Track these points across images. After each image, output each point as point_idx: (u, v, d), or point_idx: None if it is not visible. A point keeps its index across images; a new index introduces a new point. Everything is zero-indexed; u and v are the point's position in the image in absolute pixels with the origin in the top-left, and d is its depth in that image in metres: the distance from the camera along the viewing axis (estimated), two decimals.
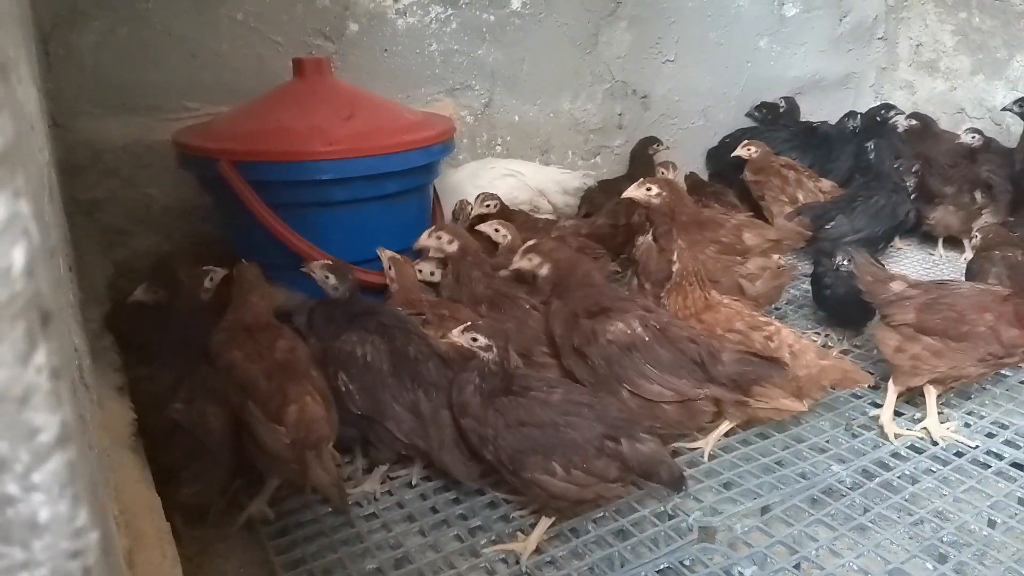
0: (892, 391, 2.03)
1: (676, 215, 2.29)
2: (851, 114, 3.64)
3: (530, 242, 2.08)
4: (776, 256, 2.39)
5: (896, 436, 1.97)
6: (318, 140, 2.07)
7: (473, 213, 2.70)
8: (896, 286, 2.11)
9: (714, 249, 2.27)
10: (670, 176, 2.79)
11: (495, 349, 1.57)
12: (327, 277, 1.85)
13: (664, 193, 2.27)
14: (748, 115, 3.85)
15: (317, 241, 2.12)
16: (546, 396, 1.57)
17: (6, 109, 0.37)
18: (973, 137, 3.21)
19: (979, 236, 2.60)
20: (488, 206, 2.70)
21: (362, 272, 2.11)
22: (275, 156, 2.03)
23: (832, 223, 2.90)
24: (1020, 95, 3.60)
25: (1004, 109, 3.33)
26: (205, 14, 2.62)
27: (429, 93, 3.13)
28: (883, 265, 2.34)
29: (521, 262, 2.04)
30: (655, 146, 3.31)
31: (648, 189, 2.27)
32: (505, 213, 2.72)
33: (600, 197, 3.12)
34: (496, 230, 2.50)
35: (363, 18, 2.91)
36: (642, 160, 3.29)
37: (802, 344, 1.95)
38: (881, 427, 2.00)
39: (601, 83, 3.51)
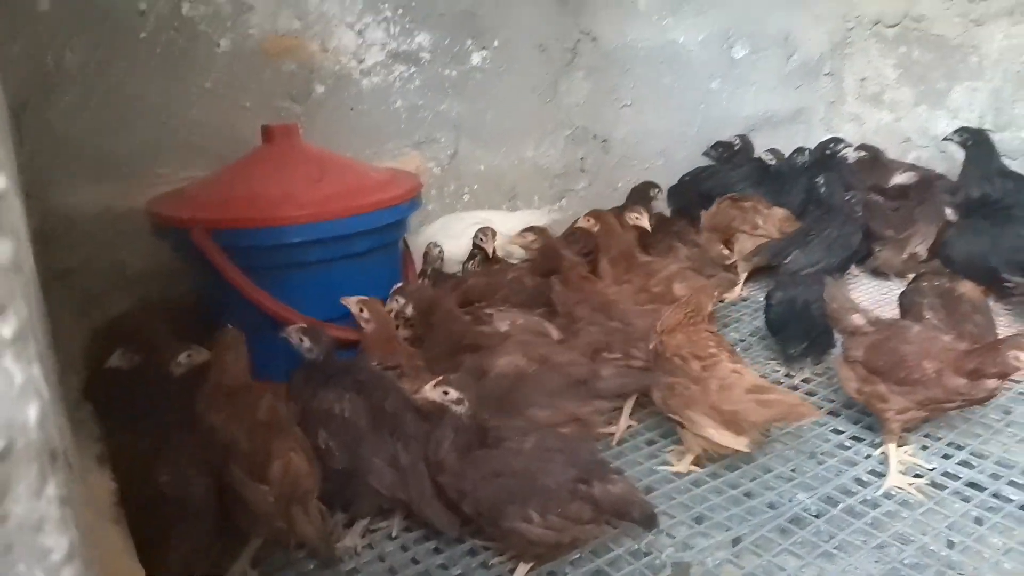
0: (890, 450, 2.02)
1: (602, 251, 2.45)
2: (800, 150, 3.80)
3: (397, 285, 2.23)
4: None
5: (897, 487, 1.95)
6: (289, 205, 2.14)
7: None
8: (856, 319, 2.18)
9: (643, 297, 2.39)
10: (643, 220, 2.91)
11: (467, 402, 1.63)
12: (302, 340, 1.90)
13: (537, 239, 2.38)
14: (705, 154, 4.00)
15: (291, 301, 2.18)
16: (519, 445, 1.63)
17: (18, 295, 0.44)
18: (909, 175, 3.36)
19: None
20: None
21: (336, 329, 2.17)
22: (248, 223, 2.10)
23: (789, 258, 3.02)
24: (960, 123, 3.81)
25: (945, 139, 3.50)
26: (176, 83, 2.70)
27: (396, 147, 3.23)
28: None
29: (390, 304, 2.20)
30: (654, 191, 3.48)
31: (526, 237, 2.38)
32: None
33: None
34: None
35: (329, 80, 3.01)
36: (640, 200, 3.43)
37: (735, 379, 1.95)
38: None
39: (562, 129, 3.64)
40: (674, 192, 3.88)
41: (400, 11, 3.07)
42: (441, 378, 1.68)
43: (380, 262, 2.49)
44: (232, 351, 1.85)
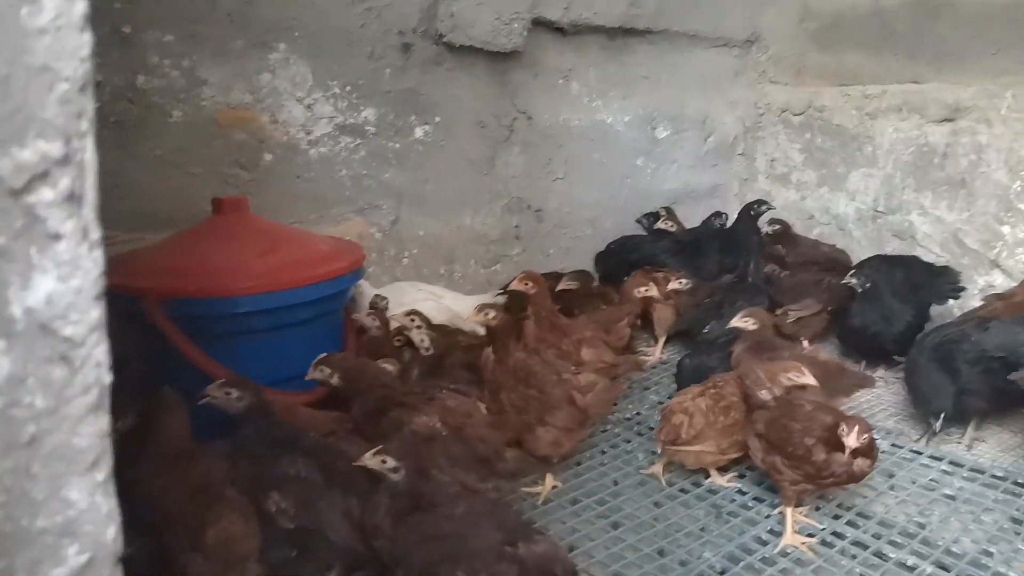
0: (787, 512, 2.21)
1: (537, 311, 2.66)
2: (717, 213, 4.13)
3: (321, 355, 2.33)
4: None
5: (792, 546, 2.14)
6: (239, 276, 2.26)
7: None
8: (764, 394, 2.36)
9: (553, 353, 2.59)
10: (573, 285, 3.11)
11: (403, 470, 1.76)
12: (228, 393, 1.95)
13: (496, 316, 2.56)
14: (637, 221, 4.28)
15: (238, 366, 2.27)
16: (450, 510, 1.77)
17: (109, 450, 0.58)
18: (774, 270, 3.73)
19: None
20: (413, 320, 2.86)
21: (281, 393, 2.28)
22: (198, 293, 2.21)
23: (707, 328, 3.29)
24: (857, 205, 4.22)
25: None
26: (128, 150, 2.79)
27: (340, 213, 3.38)
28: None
29: (314, 373, 2.29)
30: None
31: (486, 314, 2.51)
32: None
33: None
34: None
35: (277, 149, 3.15)
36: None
37: None
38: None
39: (499, 199, 3.86)
40: (600, 258, 4.15)
41: (348, 88, 3.26)
42: (380, 447, 1.81)
43: (324, 328, 2.61)
44: (172, 413, 1.91)
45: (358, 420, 2.26)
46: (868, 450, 2.08)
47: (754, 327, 2.74)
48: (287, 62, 3.08)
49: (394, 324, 2.87)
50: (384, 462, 1.78)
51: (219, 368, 2.17)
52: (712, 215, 4.14)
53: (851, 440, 2.01)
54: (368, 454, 1.81)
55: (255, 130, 3.08)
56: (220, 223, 2.49)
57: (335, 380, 2.28)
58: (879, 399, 3.13)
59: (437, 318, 3.21)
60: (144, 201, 2.84)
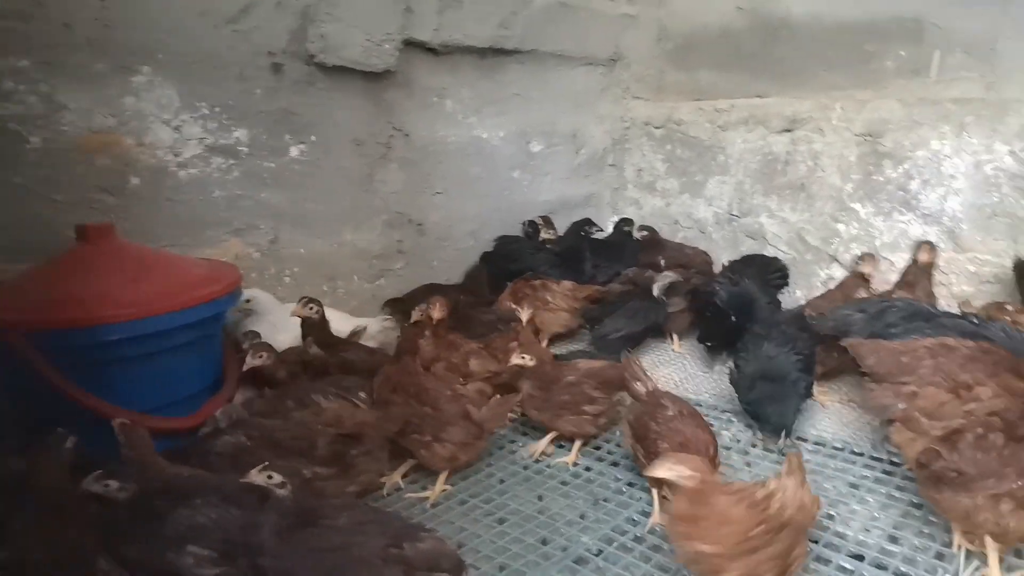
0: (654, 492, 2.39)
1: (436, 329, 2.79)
2: (588, 221, 4.44)
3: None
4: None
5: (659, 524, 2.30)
6: (107, 305, 2.22)
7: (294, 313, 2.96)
8: (638, 387, 2.57)
9: (443, 366, 2.71)
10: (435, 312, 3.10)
11: (289, 485, 1.81)
12: (107, 485, 1.86)
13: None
14: (523, 229, 4.52)
15: (112, 394, 2.24)
16: (333, 521, 1.81)
17: None
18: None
19: None
20: (312, 308, 2.95)
21: (158, 420, 2.27)
22: (67, 324, 2.16)
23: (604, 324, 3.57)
24: (715, 210, 4.57)
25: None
26: None
27: (215, 235, 3.34)
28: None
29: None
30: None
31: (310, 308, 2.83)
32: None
33: None
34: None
35: (144, 172, 3.09)
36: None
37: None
38: None
39: (379, 215, 3.93)
40: (487, 258, 4.30)
41: (217, 109, 3.24)
42: (266, 463, 1.85)
43: (202, 351, 2.60)
44: (51, 459, 1.85)
45: None
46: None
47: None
48: (152, 84, 3.04)
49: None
50: (270, 478, 1.82)
51: (93, 399, 2.14)
52: (582, 221, 4.41)
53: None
54: (254, 470, 1.84)
55: (120, 154, 3.01)
56: (87, 251, 2.43)
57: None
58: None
59: None
60: (4, 231, 2.72)
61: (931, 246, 3.61)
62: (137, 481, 1.89)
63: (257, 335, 2.98)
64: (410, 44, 3.78)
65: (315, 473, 2.20)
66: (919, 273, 3.56)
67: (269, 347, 2.71)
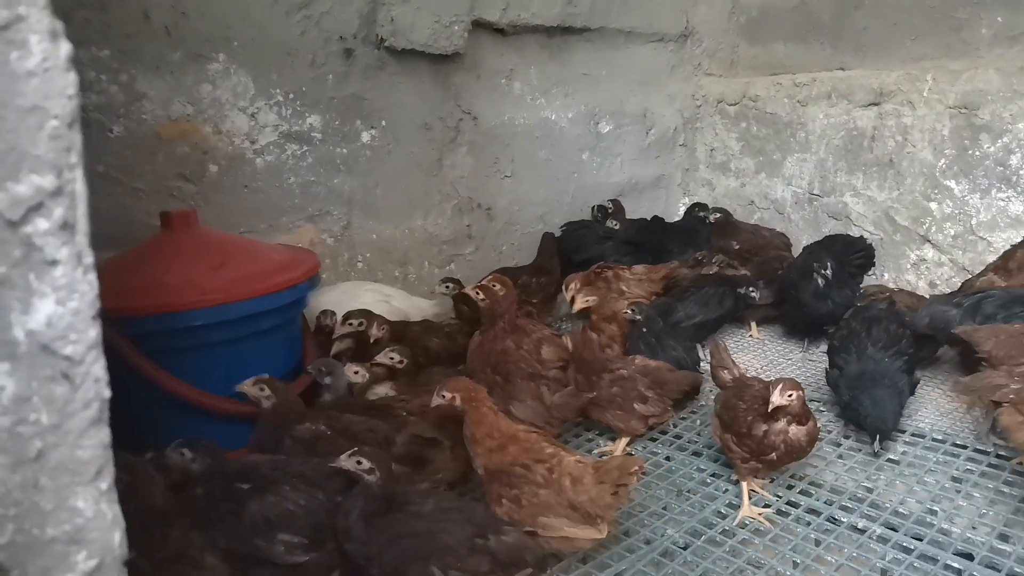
0: (742, 485, 2.33)
1: (499, 316, 2.68)
2: (699, 204, 4.35)
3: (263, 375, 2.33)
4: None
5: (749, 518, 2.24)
6: (192, 291, 2.25)
7: (338, 333, 2.91)
8: (724, 375, 2.48)
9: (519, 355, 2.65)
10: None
11: (378, 472, 1.80)
12: (182, 453, 1.92)
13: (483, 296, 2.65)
14: (592, 215, 4.41)
15: (198, 380, 2.28)
16: (419, 508, 1.80)
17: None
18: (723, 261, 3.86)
19: None
20: (392, 359, 2.80)
21: (241, 405, 2.29)
22: (152, 311, 2.19)
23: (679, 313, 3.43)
24: (794, 190, 4.39)
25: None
26: None
27: (290, 221, 3.38)
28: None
29: (250, 389, 2.28)
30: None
31: (476, 293, 2.66)
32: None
33: None
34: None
35: (222, 160, 3.13)
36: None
37: (582, 469, 1.95)
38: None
39: (449, 200, 3.90)
40: (563, 239, 4.18)
41: (291, 95, 3.26)
42: (356, 449, 1.84)
43: (282, 337, 2.62)
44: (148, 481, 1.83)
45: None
46: (802, 416, 2.18)
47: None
48: (227, 72, 3.07)
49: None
50: (359, 463, 1.81)
51: (181, 384, 2.17)
52: (695, 205, 4.34)
53: (776, 398, 2.11)
54: (344, 456, 1.83)
55: (198, 142, 3.05)
56: (170, 238, 2.47)
57: (266, 403, 2.27)
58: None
59: (390, 317, 3.23)
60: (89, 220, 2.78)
61: None
62: (215, 455, 1.93)
63: (334, 312, 3.02)
64: (478, 25, 3.72)
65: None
66: None
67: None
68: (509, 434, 2.04)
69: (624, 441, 2.70)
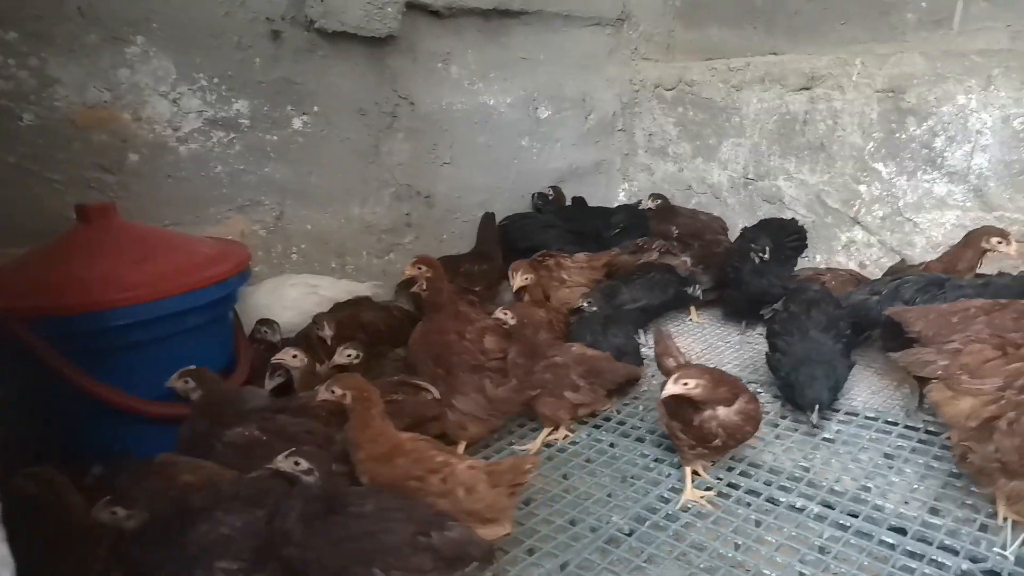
0: (685, 470, 2.35)
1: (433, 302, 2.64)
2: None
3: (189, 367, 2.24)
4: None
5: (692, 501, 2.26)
6: (112, 288, 2.12)
7: (335, 362, 2.71)
8: (670, 363, 2.47)
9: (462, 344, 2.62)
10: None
11: (317, 473, 1.73)
12: (114, 513, 1.78)
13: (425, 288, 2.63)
14: (532, 203, 4.37)
15: (124, 382, 2.16)
16: (360, 508, 1.74)
17: None
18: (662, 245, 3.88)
19: None
20: (350, 356, 2.70)
21: (167, 407, 2.18)
22: (68, 310, 2.06)
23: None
24: (729, 175, 4.44)
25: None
26: None
27: (219, 212, 3.24)
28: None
29: (175, 382, 2.20)
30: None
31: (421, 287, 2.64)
32: None
33: None
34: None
35: (143, 148, 2.97)
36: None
37: (474, 476, 1.95)
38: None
39: (387, 188, 3.81)
40: (507, 228, 4.14)
41: (216, 80, 3.11)
42: (293, 449, 1.76)
43: (213, 334, 2.51)
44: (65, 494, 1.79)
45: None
46: (727, 399, 2.18)
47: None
48: (147, 56, 2.90)
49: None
50: (297, 464, 1.74)
51: (99, 387, 2.05)
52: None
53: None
54: (280, 457, 1.75)
55: (117, 129, 2.89)
56: (87, 232, 2.32)
57: (195, 395, 2.17)
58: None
59: (320, 308, 3.13)
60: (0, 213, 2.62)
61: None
62: (148, 506, 1.79)
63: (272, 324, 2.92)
64: (412, 7, 3.62)
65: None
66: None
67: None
68: (394, 442, 2.00)
69: (545, 432, 2.68)
